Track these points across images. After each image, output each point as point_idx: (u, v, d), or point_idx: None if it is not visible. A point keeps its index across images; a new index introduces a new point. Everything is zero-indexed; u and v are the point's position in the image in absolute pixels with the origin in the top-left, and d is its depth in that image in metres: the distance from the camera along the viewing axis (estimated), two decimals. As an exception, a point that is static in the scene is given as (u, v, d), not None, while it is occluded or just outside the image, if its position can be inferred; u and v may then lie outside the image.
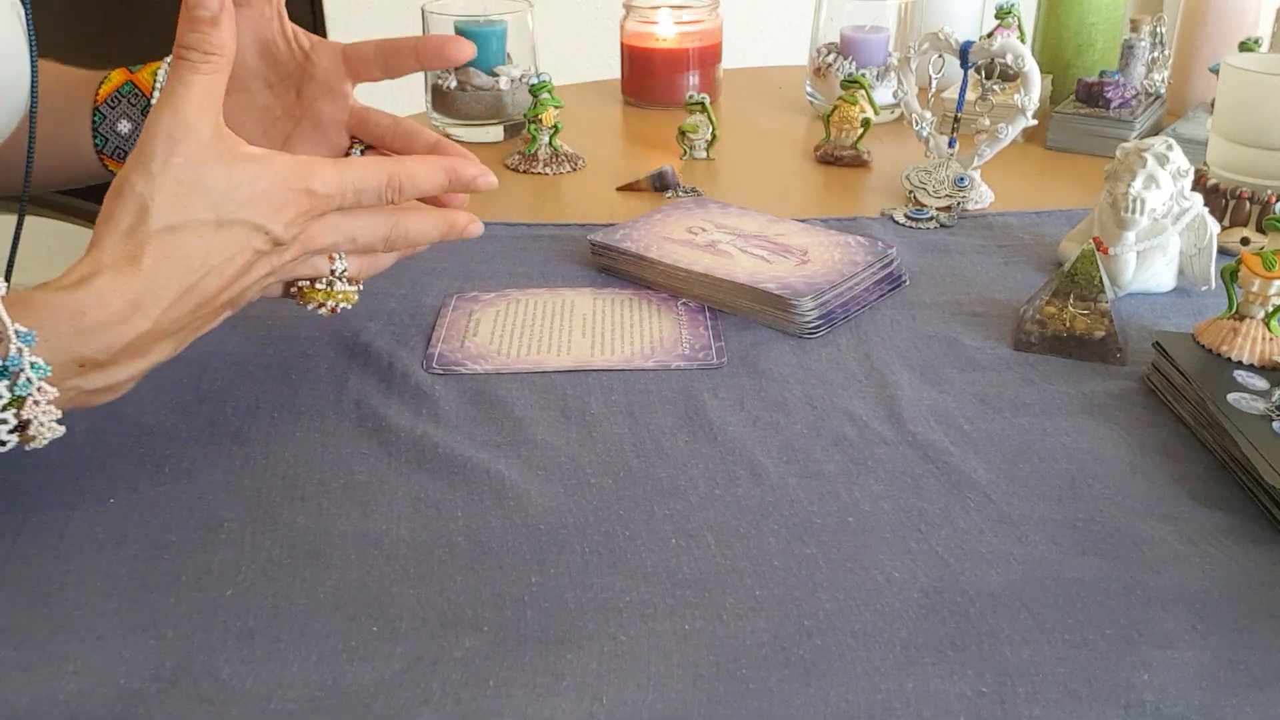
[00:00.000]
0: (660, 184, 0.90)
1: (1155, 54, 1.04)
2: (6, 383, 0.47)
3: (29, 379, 0.47)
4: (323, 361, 0.63)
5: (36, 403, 0.47)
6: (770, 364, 0.63)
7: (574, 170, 0.96)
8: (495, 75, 1.01)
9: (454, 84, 1.01)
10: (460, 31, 1.00)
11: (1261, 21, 1.03)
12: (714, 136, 0.97)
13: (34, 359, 0.47)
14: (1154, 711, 0.40)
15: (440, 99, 1.02)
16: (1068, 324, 0.64)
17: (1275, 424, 0.53)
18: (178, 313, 0.50)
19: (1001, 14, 1.07)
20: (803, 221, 0.78)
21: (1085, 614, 0.45)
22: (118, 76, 0.70)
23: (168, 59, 0.68)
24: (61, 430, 0.49)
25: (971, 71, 0.85)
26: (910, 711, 0.40)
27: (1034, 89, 0.81)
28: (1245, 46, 0.96)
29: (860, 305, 0.70)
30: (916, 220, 0.83)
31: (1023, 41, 1.05)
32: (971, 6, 1.15)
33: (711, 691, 0.41)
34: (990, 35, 0.86)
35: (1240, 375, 0.58)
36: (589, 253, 0.76)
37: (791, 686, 0.41)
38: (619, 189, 0.91)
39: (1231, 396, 0.56)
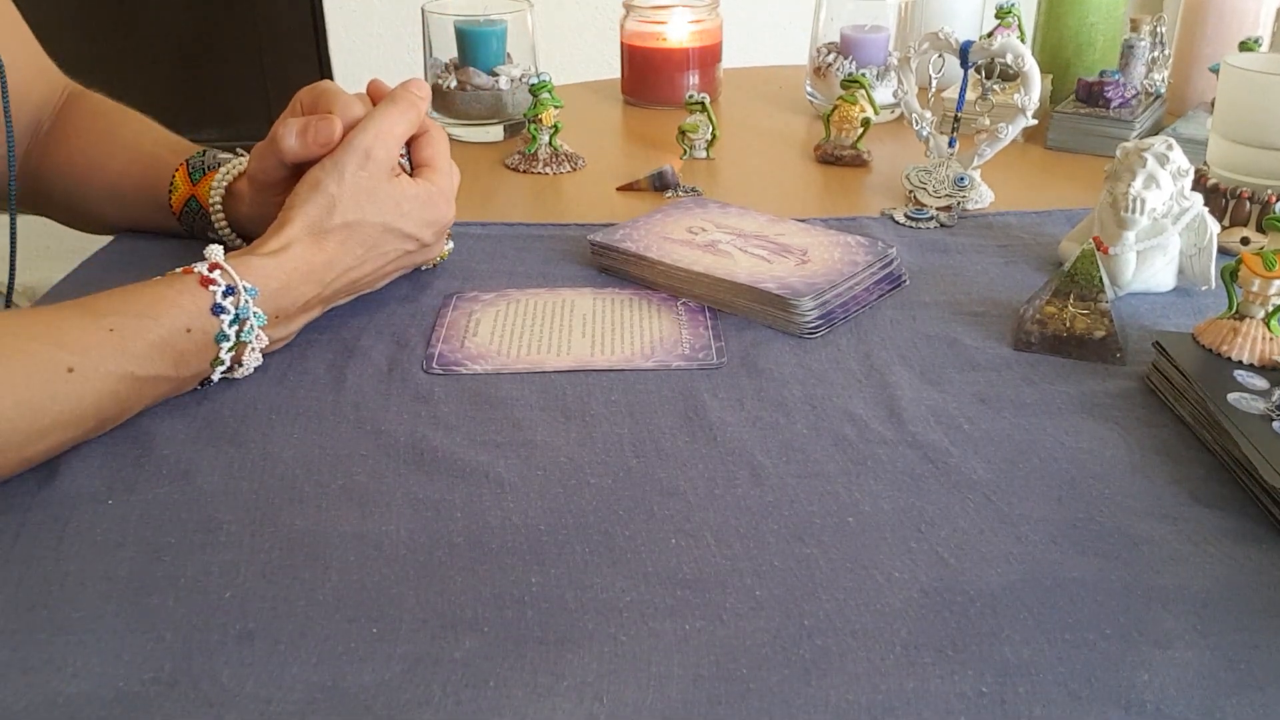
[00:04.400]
0: (660, 184, 0.90)
1: (1155, 53, 1.04)
2: (236, 328, 0.57)
3: (253, 326, 0.58)
4: (321, 362, 0.63)
5: (253, 349, 0.59)
6: (770, 364, 0.63)
7: (574, 170, 0.96)
8: (495, 75, 1.01)
9: (454, 84, 1.01)
10: (460, 31, 1.00)
11: (1261, 21, 1.03)
12: (714, 136, 0.97)
13: (256, 309, 0.58)
14: (1154, 711, 0.40)
15: (440, 99, 1.02)
16: (1068, 324, 0.64)
17: (1275, 424, 0.53)
18: (337, 286, 0.64)
19: (1001, 13, 1.07)
20: (803, 221, 0.78)
21: (1085, 614, 0.45)
22: (181, 185, 0.73)
23: (222, 171, 0.72)
24: (258, 363, 0.60)
25: (971, 71, 0.85)
26: (910, 711, 0.40)
27: (1034, 89, 0.81)
28: (1245, 46, 0.96)
29: (860, 305, 0.70)
30: (916, 220, 0.83)
31: (1023, 41, 1.05)
32: (971, 6, 1.15)
33: (712, 691, 0.41)
34: (990, 35, 0.86)
35: (1240, 375, 0.58)
36: (589, 253, 0.76)
37: (792, 686, 0.41)
38: (619, 189, 0.91)
39: (1231, 396, 0.56)
